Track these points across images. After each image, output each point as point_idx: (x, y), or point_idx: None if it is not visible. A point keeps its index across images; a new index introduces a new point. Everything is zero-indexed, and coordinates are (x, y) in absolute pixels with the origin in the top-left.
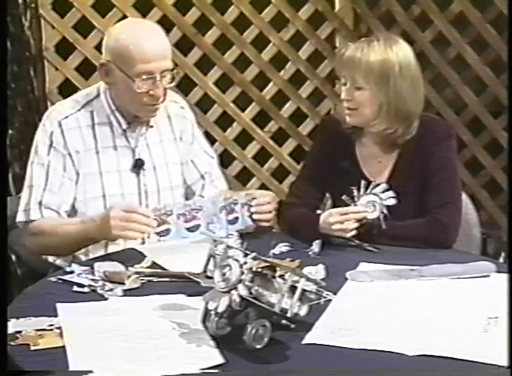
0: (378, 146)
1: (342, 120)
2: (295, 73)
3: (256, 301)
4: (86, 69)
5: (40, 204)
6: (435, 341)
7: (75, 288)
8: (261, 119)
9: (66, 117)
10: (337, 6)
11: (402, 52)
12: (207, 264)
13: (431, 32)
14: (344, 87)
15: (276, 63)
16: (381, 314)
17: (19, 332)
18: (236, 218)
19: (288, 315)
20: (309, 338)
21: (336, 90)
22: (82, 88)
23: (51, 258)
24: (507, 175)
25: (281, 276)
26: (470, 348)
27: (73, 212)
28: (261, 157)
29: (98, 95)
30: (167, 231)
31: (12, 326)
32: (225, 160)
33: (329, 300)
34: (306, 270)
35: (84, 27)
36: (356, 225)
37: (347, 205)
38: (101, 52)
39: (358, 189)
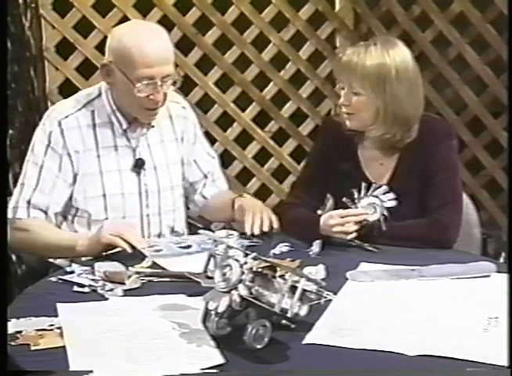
0: (379, 148)
1: (343, 122)
2: (295, 73)
3: (256, 302)
4: (86, 69)
5: (28, 203)
6: (435, 341)
7: (75, 288)
8: (261, 119)
9: (67, 116)
10: (338, 6)
11: (399, 56)
12: (207, 264)
13: (432, 32)
14: (342, 91)
15: (277, 63)
16: (381, 314)
17: (20, 332)
18: None
19: (288, 315)
20: (309, 338)
21: (336, 90)
22: (82, 88)
23: (51, 258)
24: (507, 175)
25: (281, 276)
26: (470, 348)
27: (69, 212)
28: (262, 157)
29: (99, 95)
30: (158, 251)
31: (13, 326)
32: (225, 160)
33: (330, 300)
34: (306, 270)
35: (84, 27)
36: (356, 227)
37: (348, 207)
38: (101, 53)
39: (359, 191)
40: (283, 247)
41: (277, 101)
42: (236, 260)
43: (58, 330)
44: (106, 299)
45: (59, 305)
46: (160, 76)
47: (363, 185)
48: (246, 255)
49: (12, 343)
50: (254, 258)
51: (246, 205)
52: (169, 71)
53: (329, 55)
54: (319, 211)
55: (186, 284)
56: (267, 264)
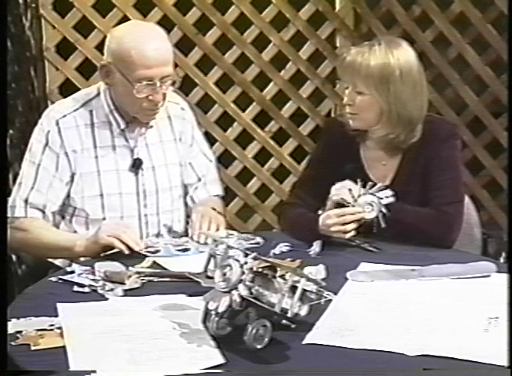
0: (382, 149)
1: (346, 122)
2: (296, 73)
3: (256, 301)
4: (87, 69)
5: (26, 201)
6: (436, 341)
7: (76, 288)
8: (261, 119)
9: (64, 115)
10: (338, 6)
11: (403, 57)
12: (207, 264)
13: (432, 32)
14: (346, 91)
15: (277, 63)
16: (382, 314)
17: (20, 332)
18: None
19: (288, 315)
20: (310, 338)
21: (336, 90)
22: (83, 89)
23: (49, 258)
24: (508, 175)
25: (281, 276)
26: (470, 348)
27: (66, 211)
28: (262, 157)
29: (97, 95)
30: (156, 252)
31: (13, 326)
32: (225, 160)
33: (330, 300)
34: (306, 270)
35: (84, 27)
36: (355, 225)
37: (346, 206)
38: (102, 53)
39: (356, 190)
40: (283, 247)
41: (277, 101)
42: (237, 260)
43: (58, 330)
44: (107, 299)
45: (59, 305)
46: (160, 77)
47: (360, 183)
48: (246, 255)
49: (13, 343)
50: (254, 258)
51: (197, 214)
52: (168, 72)
53: (329, 55)
54: (320, 212)
55: (186, 284)
56: (267, 264)
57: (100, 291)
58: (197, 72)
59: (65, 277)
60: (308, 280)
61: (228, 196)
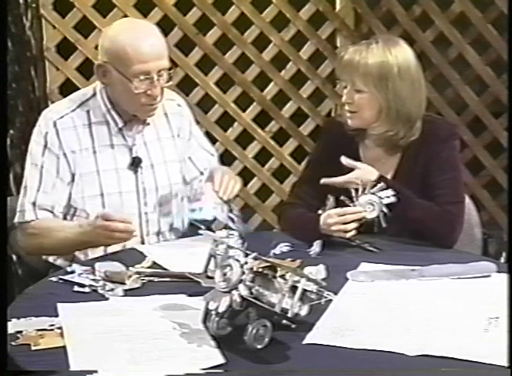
0: (381, 148)
1: (345, 122)
2: (296, 73)
3: (257, 302)
4: (87, 69)
5: (34, 204)
6: (436, 341)
7: (76, 288)
8: (261, 119)
9: (62, 116)
10: (338, 6)
11: (401, 55)
12: (207, 264)
13: (432, 32)
14: (345, 90)
15: (277, 63)
16: (382, 314)
17: (20, 332)
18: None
19: (289, 315)
20: (310, 338)
21: (337, 90)
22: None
23: (51, 258)
24: (508, 174)
25: (282, 276)
26: (471, 348)
27: (67, 212)
28: (262, 157)
29: (94, 95)
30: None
31: (13, 326)
32: (225, 160)
33: (330, 300)
34: (307, 270)
35: (85, 27)
36: (356, 225)
37: (347, 205)
38: None
39: (357, 190)
40: (283, 247)
41: (278, 101)
42: (237, 260)
43: (58, 330)
44: (107, 299)
45: (59, 305)
46: (156, 70)
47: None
48: (246, 255)
49: (13, 343)
50: (255, 258)
51: (217, 172)
52: (164, 65)
53: (329, 55)
54: (320, 211)
55: (187, 284)
56: (267, 264)
57: (100, 291)
58: (198, 72)
59: (65, 277)
60: (309, 280)
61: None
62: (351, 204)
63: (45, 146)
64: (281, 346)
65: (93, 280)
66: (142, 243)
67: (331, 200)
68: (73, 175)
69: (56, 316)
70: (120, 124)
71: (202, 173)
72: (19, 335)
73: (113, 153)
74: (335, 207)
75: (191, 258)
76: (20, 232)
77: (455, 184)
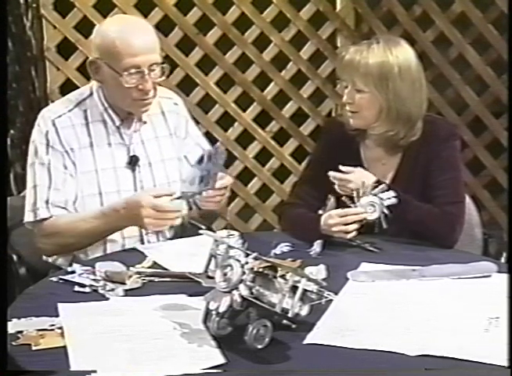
0: (382, 148)
1: (346, 122)
2: (296, 73)
3: (257, 302)
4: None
5: (47, 202)
6: (436, 341)
7: (76, 288)
8: (262, 119)
9: (60, 116)
10: (339, 6)
11: (402, 55)
12: (208, 264)
13: (433, 32)
14: (346, 90)
15: (278, 63)
16: (382, 314)
17: (21, 332)
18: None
19: (289, 315)
20: (310, 338)
21: (337, 90)
22: None
23: (51, 259)
24: (508, 174)
25: (282, 276)
26: (471, 348)
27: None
28: (263, 157)
29: (91, 94)
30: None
31: (14, 326)
32: (226, 160)
33: (331, 300)
34: (307, 270)
35: (85, 27)
36: (356, 226)
37: (348, 206)
38: None
39: (358, 191)
40: (283, 247)
41: (278, 101)
42: (237, 260)
43: (59, 330)
44: (107, 299)
45: (60, 305)
46: (147, 64)
47: (362, 184)
48: (247, 255)
49: (13, 343)
50: (255, 258)
51: None
52: (155, 59)
53: (330, 55)
54: (321, 212)
55: (187, 284)
56: (268, 264)
57: (101, 291)
58: (198, 72)
59: (66, 277)
60: (309, 280)
61: (228, 196)
62: (352, 205)
63: (48, 144)
64: (281, 346)
65: (93, 280)
66: (142, 242)
67: (332, 200)
68: (76, 172)
69: (57, 316)
70: (118, 123)
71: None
72: (19, 335)
73: (111, 152)
74: (335, 208)
75: (191, 258)
76: (39, 233)
77: (455, 184)
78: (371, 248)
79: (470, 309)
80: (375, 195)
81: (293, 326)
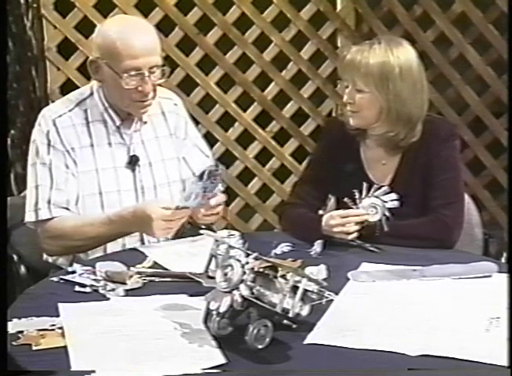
0: (382, 148)
1: (346, 121)
2: (297, 73)
3: (258, 302)
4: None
5: (49, 202)
6: (437, 341)
7: (77, 288)
8: (262, 119)
9: (60, 115)
10: (339, 6)
11: (403, 55)
12: (208, 264)
13: (433, 32)
14: (346, 90)
15: (278, 63)
16: (383, 314)
17: (21, 332)
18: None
19: (290, 315)
20: (311, 338)
21: (338, 90)
22: None
23: (51, 259)
24: (508, 174)
25: (283, 276)
26: (472, 348)
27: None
28: (263, 157)
29: (91, 94)
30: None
31: (14, 326)
32: (226, 160)
33: (331, 300)
34: (308, 270)
35: (86, 27)
36: (357, 227)
37: (350, 207)
38: None
39: (360, 192)
40: (284, 247)
41: (278, 101)
42: (238, 260)
43: (59, 330)
44: (108, 299)
45: (60, 305)
46: (147, 67)
47: (365, 185)
48: (247, 255)
49: (14, 343)
50: (256, 258)
51: None
52: (156, 61)
53: (330, 55)
54: (321, 212)
55: (188, 284)
56: (268, 264)
57: (101, 291)
58: (198, 72)
59: (66, 277)
60: (310, 280)
61: (229, 196)
62: (354, 207)
63: (49, 144)
64: (282, 346)
65: (94, 280)
66: (142, 242)
67: (332, 200)
68: (77, 172)
69: (57, 316)
70: (118, 123)
71: (195, 174)
72: (20, 335)
73: (111, 152)
74: (336, 208)
75: (192, 258)
76: (43, 234)
77: (453, 184)
78: (371, 248)
79: (471, 309)
80: (377, 197)
81: (294, 326)
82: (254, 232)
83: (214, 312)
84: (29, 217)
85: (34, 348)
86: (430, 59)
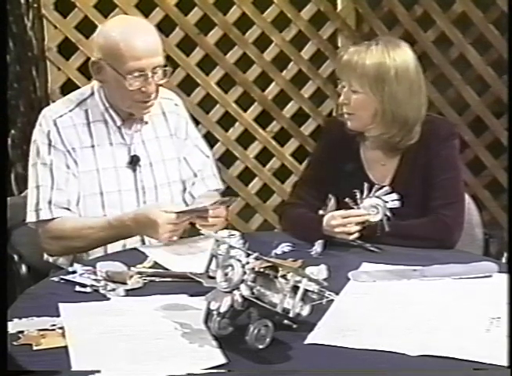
0: (380, 149)
1: (346, 121)
2: (297, 73)
3: (258, 302)
4: (88, 69)
5: (49, 203)
6: (438, 341)
7: (77, 288)
8: (263, 119)
9: (61, 115)
10: (339, 6)
11: (400, 58)
12: (209, 264)
13: (434, 32)
14: (343, 90)
15: (278, 63)
16: (383, 314)
17: (22, 332)
18: None
19: (290, 315)
20: (311, 338)
21: (338, 90)
22: None
23: (52, 259)
24: (508, 174)
25: (283, 276)
26: (472, 348)
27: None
28: (263, 157)
29: (92, 94)
30: None
31: (15, 326)
32: (227, 160)
33: (332, 300)
34: (308, 270)
35: (86, 27)
36: (359, 228)
37: (351, 208)
38: None
39: (361, 192)
40: (284, 247)
41: (279, 101)
42: (238, 260)
43: (60, 330)
44: (108, 299)
45: (61, 305)
46: (150, 67)
47: (366, 186)
48: (248, 255)
49: (14, 343)
50: (256, 258)
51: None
52: (159, 62)
53: (331, 55)
54: (321, 212)
55: (188, 284)
56: (269, 264)
57: (102, 291)
58: (199, 72)
59: (67, 277)
60: (310, 280)
61: (229, 196)
62: (355, 207)
63: (50, 144)
64: (282, 346)
65: (95, 280)
66: (143, 242)
67: (332, 200)
68: (78, 172)
69: (58, 316)
70: (119, 123)
71: (196, 175)
72: (20, 335)
73: (112, 152)
74: (336, 208)
75: (192, 258)
76: (44, 234)
77: (454, 183)
78: (372, 248)
79: (471, 309)
80: (378, 197)
81: (295, 326)
82: (255, 232)
83: (215, 312)
84: (30, 217)
85: (35, 348)
86: (431, 59)
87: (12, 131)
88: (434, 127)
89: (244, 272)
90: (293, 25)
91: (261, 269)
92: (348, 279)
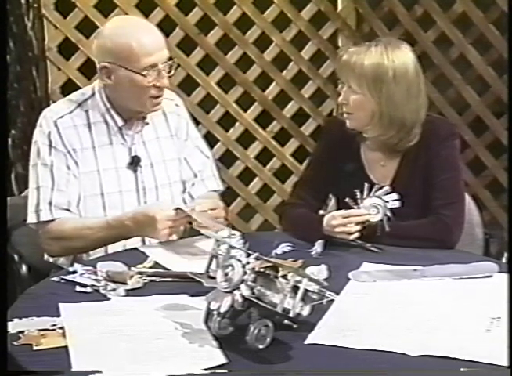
0: (380, 150)
1: (346, 121)
2: (297, 73)
3: (258, 302)
4: (89, 69)
5: (50, 204)
6: (438, 341)
7: (78, 288)
8: (263, 119)
9: (62, 116)
10: (340, 6)
11: (398, 59)
12: (209, 264)
13: (434, 32)
14: (343, 90)
15: (279, 63)
16: (384, 314)
17: (22, 332)
18: None
19: (290, 315)
20: (312, 338)
21: (338, 90)
22: None
23: (52, 259)
24: (508, 174)
25: (283, 276)
26: (472, 348)
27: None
28: (264, 157)
29: (93, 95)
30: None
31: (15, 326)
32: (227, 160)
33: (332, 300)
34: (308, 270)
35: (86, 28)
36: (359, 227)
37: (351, 207)
38: None
39: (362, 192)
40: (285, 247)
41: (279, 101)
42: (239, 260)
43: (60, 330)
44: (109, 299)
45: (61, 305)
46: (162, 61)
47: (366, 185)
48: (248, 255)
49: (15, 343)
50: (256, 258)
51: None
52: (167, 55)
53: (331, 55)
54: (322, 212)
55: (188, 284)
56: (269, 264)
57: (102, 291)
58: (199, 72)
59: (67, 277)
60: (310, 280)
61: (229, 196)
62: (355, 207)
63: (50, 145)
64: (283, 346)
65: (95, 280)
66: (143, 242)
67: (332, 200)
68: (78, 173)
69: (58, 316)
70: (120, 123)
71: (196, 175)
72: (20, 335)
73: (113, 153)
74: (337, 208)
75: (193, 258)
76: (44, 235)
77: (453, 184)
78: (372, 248)
79: (472, 309)
80: (379, 197)
81: (295, 326)
82: (255, 232)
83: (215, 312)
84: (30, 218)
85: (35, 348)
86: (431, 60)
87: (13, 132)
88: (434, 127)
89: (245, 273)
90: (293, 25)
91: (262, 269)
92: (349, 279)
